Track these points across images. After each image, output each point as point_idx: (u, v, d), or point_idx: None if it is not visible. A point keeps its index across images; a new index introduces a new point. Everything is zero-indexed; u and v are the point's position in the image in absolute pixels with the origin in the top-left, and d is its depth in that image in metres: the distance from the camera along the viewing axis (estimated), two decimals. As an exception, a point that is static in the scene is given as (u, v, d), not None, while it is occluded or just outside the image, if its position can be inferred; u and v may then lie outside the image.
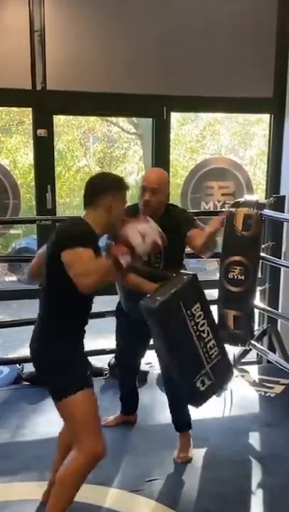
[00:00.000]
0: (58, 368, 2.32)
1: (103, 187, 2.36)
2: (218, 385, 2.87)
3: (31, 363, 2.54)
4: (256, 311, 4.46)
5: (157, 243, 2.29)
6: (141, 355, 3.48)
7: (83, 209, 2.40)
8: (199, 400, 2.78)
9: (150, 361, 4.37)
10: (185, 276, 2.77)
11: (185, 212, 3.21)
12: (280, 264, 4.44)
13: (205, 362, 2.73)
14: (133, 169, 12.58)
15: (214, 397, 2.98)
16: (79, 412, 2.28)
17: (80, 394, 2.27)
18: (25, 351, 5.77)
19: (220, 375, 2.82)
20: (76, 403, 2.27)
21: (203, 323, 2.72)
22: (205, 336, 2.73)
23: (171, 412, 3.20)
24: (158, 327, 2.74)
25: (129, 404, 3.56)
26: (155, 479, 2.91)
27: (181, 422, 3.19)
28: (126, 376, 3.53)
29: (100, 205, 2.33)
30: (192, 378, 2.71)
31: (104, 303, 4.47)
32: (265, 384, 4.18)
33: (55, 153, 4.53)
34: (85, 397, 2.30)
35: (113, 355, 4.30)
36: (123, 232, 2.24)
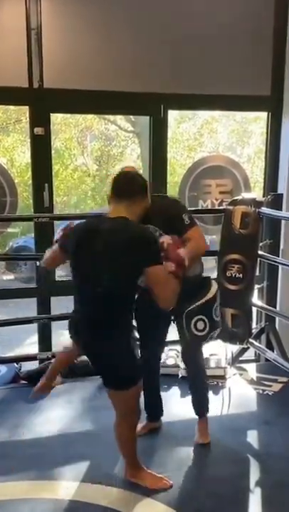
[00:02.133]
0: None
1: (145, 187, 2.62)
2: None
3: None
4: (254, 309, 4.47)
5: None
6: (155, 354, 3.40)
7: (114, 201, 2.55)
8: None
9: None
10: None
11: (175, 206, 3.07)
12: (278, 262, 4.43)
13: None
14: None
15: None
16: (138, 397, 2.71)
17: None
18: (23, 350, 5.80)
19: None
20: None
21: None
22: None
23: (192, 396, 3.32)
24: None
25: (153, 412, 3.46)
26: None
27: (201, 408, 3.30)
28: (147, 381, 3.26)
29: (137, 203, 2.56)
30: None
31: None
32: (263, 382, 4.18)
33: (53, 152, 4.52)
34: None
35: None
36: (178, 254, 2.51)
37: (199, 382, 3.33)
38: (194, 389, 3.33)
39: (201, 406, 3.33)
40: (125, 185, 2.58)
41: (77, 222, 2.74)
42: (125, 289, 2.48)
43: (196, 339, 3.12)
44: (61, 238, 2.70)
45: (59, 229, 2.82)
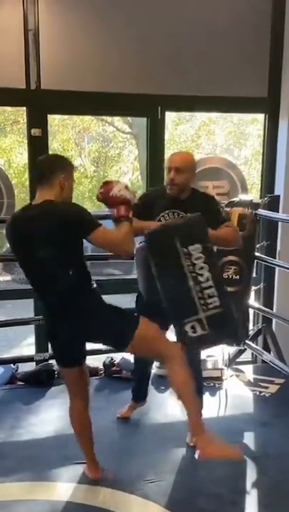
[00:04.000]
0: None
1: (63, 166, 2.59)
2: (213, 338, 2.82)
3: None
4: (251, 311, 4.48)
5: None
6: None
7: (37, 187, 2.58)
8: (188, 343, 2.74)
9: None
10: (192, 216, 2.82)
11: (212, 200, 3.15)
12: (275, 264, 4.44)
13: (199, 308, 2.70)
14: (128, 169, 12.58)
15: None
16: (150, 335, 2.59)
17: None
18: (20, 351, 5.79)
19: (217, 329, 2.74)
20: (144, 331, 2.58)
21: (202, 267, 2.69)
22: (203, 280, 2.69)
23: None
24: (150, 258, 2.75)
25: (140, 392, 3.58)
26: (150, 479, 2.90)
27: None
28: (140, 365, 3.53)
29: (55, 183, 2.53)
30: (181, 319, 2.72)
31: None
32: (259, 384, 4.19)
33: (50, 153, 4.52)
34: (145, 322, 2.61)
35: (108, 355, 4.30)
36: (113, 193, 2.51)
37: (199, 383, 3.31)
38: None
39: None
40: (42, 169, 2.60)
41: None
42: (69, 259, 2.50)
43: (192, 341, 3.11)
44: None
45: None
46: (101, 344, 2.94)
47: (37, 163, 2.72)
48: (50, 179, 2.54)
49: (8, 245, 2.66)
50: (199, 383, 3.36)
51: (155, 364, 4.18)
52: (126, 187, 2.58)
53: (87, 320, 2.56)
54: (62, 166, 2.59)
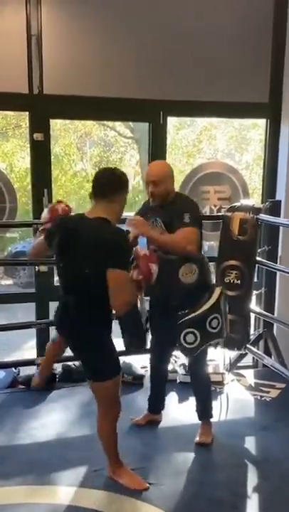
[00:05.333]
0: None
1: (122, 183, 2.62)
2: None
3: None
4: (252, 316, 4.48)
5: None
6: (164, 359, 3.51)
7: (94, 199, 2.60)
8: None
9: (145, 365, 4.37)
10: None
11: (183, 204, 3.16)
12: (276, 269, 4.45)
13: None
14: (129, 173, 12.58)
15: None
16: (112, 390, 2.73)
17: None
18: (21, 354, 5.80)
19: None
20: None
21: None
22: None
23: (195, 401, 3.41)
24: None
25: (155, 403, 3.59)
26: (151, 483, 2.90)
27: (204, 412, 3.39)
28: (153, 378, 3.57)
29: (116, 201, 2.59)
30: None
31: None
32: (260, 388, 4.19)
33: (52, 157, 4.54)
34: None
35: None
36: (150, 267, 2.54)
37: (201, 388, 3.38)
38: (196, 394, 3.40)
39: (203, 411, 3.39)
40: (105, 184, 2.60)
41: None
42: (99, 284, 2.49)
43: (186, 351, 3.16)
44: (47, 234, 2.74)
45: (45, 213, 2.83)
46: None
47: (102, 175, 2.67)
48: (111, 196, 2.57)
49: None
50: (206, 388, 3.41)
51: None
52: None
53: (83, 343, 2.69)
54: (125, 185, 2.64)
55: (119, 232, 2.56)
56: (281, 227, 4.52)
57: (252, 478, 3.04)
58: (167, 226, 3.07)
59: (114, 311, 2.60)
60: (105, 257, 2.46)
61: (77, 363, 4.13)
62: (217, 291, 3.17)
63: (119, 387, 2.76)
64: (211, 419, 3.42)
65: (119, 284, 2.46)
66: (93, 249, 2.49)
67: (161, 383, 3.54)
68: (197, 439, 3.33)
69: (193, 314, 3.06)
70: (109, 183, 2.60)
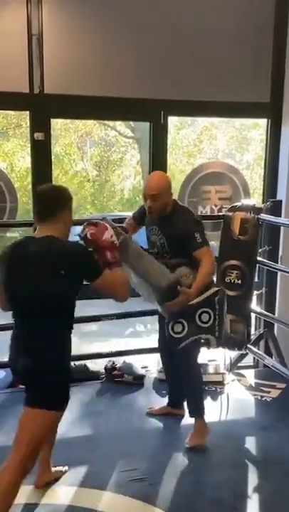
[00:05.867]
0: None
1: (62, 202, 2.44)
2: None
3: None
4: (253, 315, 4.48)
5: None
6: (171, 354, 3.43)
7: (37, 221, 2.44)
8: None
9: (146, 365, 4.38)
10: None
11: (188, 222, 3.13)
12: (277, 269, 4.44)
13: None
14: (130, 173, 12.60)
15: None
16: (47, 427, 2.46)
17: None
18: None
19: None
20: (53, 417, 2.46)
21: None
22: None
23: (186, 396, 3.39)
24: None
25: (173, 398, 3.62)
26: (151, 483, 2.90)
27: (191, 407, 3.35)
28: (166, 373, 3.61)
29: (60, 220, 2.41)
30: None
31: (101, 306, 4.47)
32: (261, 388, 4.18)
33: (52, 157, 4.54)
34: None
35: (109, 359, 4.30)
36: (104, 240, 2.55)
37: (191, 383, 3.34)
38: (186, 390, 3.37)
39: (192, 408, 3.35)
40: (44, 205, 2.44)
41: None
42: (57, 305, 2.36)
43: (173, 340, 3.16)
44: None
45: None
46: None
47: (39, 196, 2.53)
48: (54, 216, 2.40)
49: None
50: (195, 384, 3.36)
51: (157, 368, 4.20)
52: (115, 231, 2.62)
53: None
54: (66, 201, 2.46)
55: (73, 243, 2.47)
56: (282, 227, 4.51)
57: (252, 479, 3.04)
58: (170, 241, 3.12)
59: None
60: (74, 272, 2.32)
61: (77, 362, 4.13)
62: (213, 288, 3.14)
63: (53, 427, 2.59)
64: (205, 418, 3.34)
65: (108, 286, 2.42)
66: (46, 270, 2.30)
67: (174, 378, 3.51)
68: (188, 441, 3.25)
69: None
70: (47, 206, 2.42)
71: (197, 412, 3.32)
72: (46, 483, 2.86)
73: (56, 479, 2.90)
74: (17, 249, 2.43)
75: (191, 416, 3.35)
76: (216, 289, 3.17)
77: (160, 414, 3.61)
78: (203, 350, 3.45)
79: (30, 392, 2.42)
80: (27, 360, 2.38)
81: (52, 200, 2.44)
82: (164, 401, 3.74)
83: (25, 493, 2.83)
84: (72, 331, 2.46)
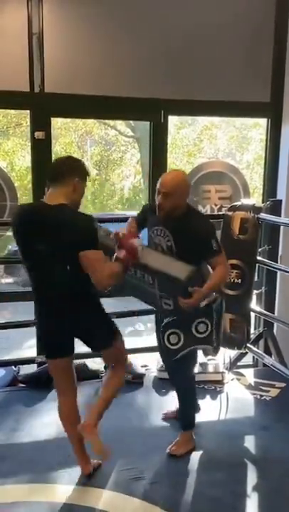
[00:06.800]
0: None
1: (77, 169, 2.64)
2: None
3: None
4: (252, 315, 4.48)
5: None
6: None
7: (50, 185, 2.61)
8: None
9: (146, 364, 4.38)
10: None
11: (203, 228, 3.00)
12: (277, 268, 4.45)
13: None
14: (130, 172, 12.59)
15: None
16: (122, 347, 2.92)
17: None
18: (21, 353, 5.79)
19: None
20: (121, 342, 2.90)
21: None
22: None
23: (179, 408, 3.32)
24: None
25: None
26: (150, 482, 2.91)
27: (184, 422, 3.28)
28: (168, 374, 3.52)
29: (71, 185, 2.58)
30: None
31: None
32: (260, 387, 4.18)
33: (53, 156, 4.53)
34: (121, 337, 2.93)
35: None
36: (131, 243, 2.66)
37: (183, 396, 3.25)
38: (179, 403, 3.27)
39: (183, 421, 3.27)
40: (59, 168, 2.64)
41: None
42: (76, 263, 2.53)
43: (169, 352, 3.09)
44: None
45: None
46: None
47: (54, 162, 2.83)
48: (65, 179, 2.57)
49: (13, 235, 2.69)
50: (188, 396, 3.27)
51: (156, 367, 4.20)
52: (142, 246, 2.72)
53: (82, 317, 2.69)
54: (79, 169, 2.65)
55: (85, 216, 2.60)
56: (282, 227, 4.52)
57: (251, 478, 3.04)
58: (181, 244, 2.95)
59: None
60: (74, 240, 2.49)
61: (77, 361, 4.12)
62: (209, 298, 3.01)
63: (124, 346, 2.93)
64: (205, 420, 3.34)
65: (92, 263, 2.50)
66: (62, 235, 2.51)
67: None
68: (171, 448, 3.19)
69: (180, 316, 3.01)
70: (61, 167, 2.64)
71: (190, 427, 3.25)
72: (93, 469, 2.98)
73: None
74: (30, 218, 2.63)
75: (183, 430, 3.25)
76: (213, 297, 3.04)
77: (173, 418, 3.52)
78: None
79: None
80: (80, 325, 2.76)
81: (68, 166, 2.63)
82: (165, 400, 3.74)
83: (23, 492, 2.84)
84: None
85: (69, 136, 11.85)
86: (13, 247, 9.93)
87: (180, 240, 2.94)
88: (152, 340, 3.56)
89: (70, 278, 2.58)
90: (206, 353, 3.17)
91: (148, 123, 4.60)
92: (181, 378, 3.24)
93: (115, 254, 2.65)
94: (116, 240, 2.70)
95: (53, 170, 2.66)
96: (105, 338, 2.82)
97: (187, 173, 5.05)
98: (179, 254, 2.93)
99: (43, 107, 4.19)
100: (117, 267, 2.60)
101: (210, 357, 4.22)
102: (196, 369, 3.63)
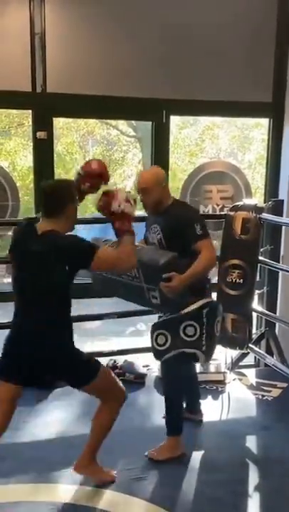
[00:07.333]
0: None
1: (66, 199, 2.54)
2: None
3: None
4: (254, 315, 4.48)
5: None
6: None
7: (42, 215, 2.55)
8: None
9: (147, 364, 4.38)
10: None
11: (186, 214, 3.07)
12: (278, 268, 4.45)
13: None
14: (132, 172, 12.59)
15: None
16: (106, 381, 2.71)
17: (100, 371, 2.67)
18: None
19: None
20: (102, 378, 2.66)
21: None
22: None
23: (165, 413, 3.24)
24: None
25: (187, 403, 3.46)
26: (151, 482, 2.91)
27: (170, 427, 3.17)
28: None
29: (63, 215, 2.52)
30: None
31: (101, 305, 4.48)
32: (262, 387, 4.19)
33: (55, 156, 4.54)
34: (103, 370, 2.71)
35: (110, 357, 4.31)
36: (114, 209, 2.57)
37: (169, 399, 3.17)
38: (165, 406, 3.19)
39: (171, 428, 3.16)
40: (48, 203, 2.55)
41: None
42: (55, 287, 2.52)
43: (156, 353, 3.06)
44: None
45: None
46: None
47: (43, 193, 2.62)
48: (56, 212, 2.52)
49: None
50: (173, 402, 3.18)
51: (158, 367, 4.20)
52: (126, 199, 2.61)
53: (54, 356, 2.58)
54: (68, 195, 2.55)
55: (69, 236, 2.55)
56: (284, 227, 4.52)
57: (253, 478, 3.04)
58: (167, 234, 3.01)
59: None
60: (72, 261, 2.47)
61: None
62: (201, 301, 2.96)
63: (110, 372, 2.78)
64: (207, 420, 3.31)
65: (108, 262, 2.53)
66: (48, 258, 2.47)
67: (187, 382, 3.42)
68: (151, 451, 3.12)
69: (169, 316, 3.00)
70: (51, 204, 2.54)
71: (175, 432, 3.14)
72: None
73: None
74: (21, 242, 2.60)
75: (168, 435, 3.15)
76: (205, 301, 2.99)
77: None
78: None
79: None
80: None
81: (55, 199, 2.53)
82: (162, 400, 3.74)
83: (25, 491, 2.84)
84: (72, 329, 2.61)
85: (71, 136, 11.85)
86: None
87: (166, 231, 3.02)
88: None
89: (46, 311, 2.55)
90: (195, 360, 3.04)
91: (150, 123, 4.60)
92: (169, 381, 3.19)
93: (116, 226, 2.60)
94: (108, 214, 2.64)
95: (43, 205, 2.58)
96: (79, 377, 2.67)
97: (189, 173, 5.06)
98: (167, 245, 3.01)
99: (45, 106, 4.19)
100: (126, 241, 2.56)
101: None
102: (198, 369, 3.63)
